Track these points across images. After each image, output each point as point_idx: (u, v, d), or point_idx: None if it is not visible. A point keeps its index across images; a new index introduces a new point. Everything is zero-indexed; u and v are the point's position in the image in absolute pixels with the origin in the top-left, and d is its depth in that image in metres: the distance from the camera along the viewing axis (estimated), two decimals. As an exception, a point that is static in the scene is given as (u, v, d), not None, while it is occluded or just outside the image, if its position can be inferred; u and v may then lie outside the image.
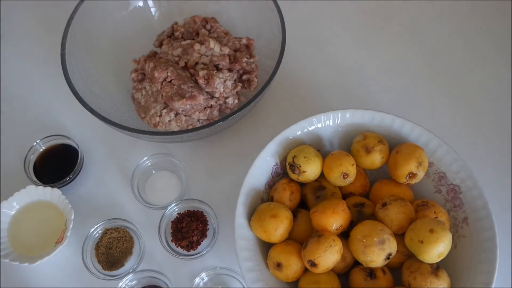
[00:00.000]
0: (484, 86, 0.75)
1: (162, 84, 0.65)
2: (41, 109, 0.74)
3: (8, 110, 0.74)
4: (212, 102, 0.66)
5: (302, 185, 0.60)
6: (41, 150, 0.68)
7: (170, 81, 0.65)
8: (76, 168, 0.66)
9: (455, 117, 0.72)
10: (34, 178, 0.66)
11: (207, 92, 0.66)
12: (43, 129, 0.70)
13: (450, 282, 0.51)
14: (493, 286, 0.50)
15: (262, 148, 0.57)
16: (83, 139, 0.70)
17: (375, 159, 0.58)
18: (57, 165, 0.68)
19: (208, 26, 0.74)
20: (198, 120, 0.66)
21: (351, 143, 0.60)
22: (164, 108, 0.66)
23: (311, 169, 0.56)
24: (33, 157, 0.67)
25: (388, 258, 0.51)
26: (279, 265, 0.53)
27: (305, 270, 0.54)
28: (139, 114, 0.68)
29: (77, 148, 0.67)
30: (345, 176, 0.56)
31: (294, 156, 0.57)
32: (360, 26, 0.81)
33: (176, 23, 0.74)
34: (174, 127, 0.65)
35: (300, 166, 0.56)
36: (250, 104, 0.60)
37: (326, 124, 0.60)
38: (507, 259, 0.61)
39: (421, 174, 0.56)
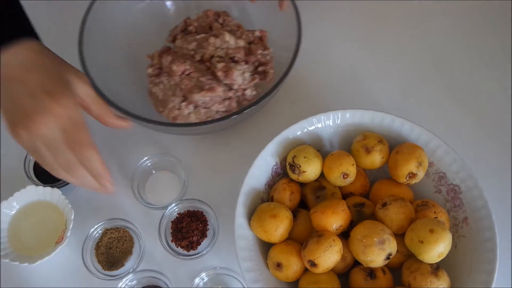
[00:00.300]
0: (484, 85, 0.75)
1: (181, 77, 0.65)
2: (41, 109, 0.74)
3: (8, 110, 0.74)
4: (231, 94, 0.66)
5: (302, 185, 0.60)
6: (41, 150, 0.68)
7: (189, 74, 0.65)
8: (76, 168, 0.66)
9: (455, 117, 0.72)
10: (34, 178, 0.66)
11: (225, 84, 0.66)
12: (43, 129, 0.70)
13: (450, 282, 0.51)
14: (493, 286, 0.50)
15: (262, 148, 0.57)
16: (83, 139, 0.70)
17: (375, 159, 0.58)
18: (57, 165, 0.67)
19: (220, 20, 0.74)
20: (217, 112, 0.66)
21: (351, 143, 0.60)
22: (183, 101, 0.66)
23: (311, 169, 0.56)
24: (33, 157, 0.67)
25: (388, 258, 0.51)
26: (279, 265, 0.53)
27: (305, 270, 0.54)
28: (157, 108, 0.68)
29: (77, 148, 0.67)
30: (345, 176, 0.56)
31: (294, 156, 0.57)
32: (361, 26, 0.81)
33: (188, 18, 0.74)
34: (193, 119, 0.65)
35: (300, 166, 0.56)
36: (272, 92, 0.60)
37: (326, 124, 0.60)
38: (507, 259, 0.61)
39: (421, 174, 0.56)
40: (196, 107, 0.65)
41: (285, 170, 0.60)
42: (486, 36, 0.80)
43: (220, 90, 0.64)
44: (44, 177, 0.66)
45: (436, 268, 0.51)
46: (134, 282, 0.60)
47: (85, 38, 0.64)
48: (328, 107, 0.60)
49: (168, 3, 0.76)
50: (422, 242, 0.50)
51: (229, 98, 0.66)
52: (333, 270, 0.53)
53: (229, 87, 0.66)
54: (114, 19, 0.70)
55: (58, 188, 0.64)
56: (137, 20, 0.73)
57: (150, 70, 0.70)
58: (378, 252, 0.50)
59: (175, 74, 0.66)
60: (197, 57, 0.68)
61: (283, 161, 0.60)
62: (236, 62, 0.68)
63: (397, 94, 0.74)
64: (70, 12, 0.79)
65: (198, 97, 0.64)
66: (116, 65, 0.69)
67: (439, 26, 0.81)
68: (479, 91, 0.75)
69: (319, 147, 0.61)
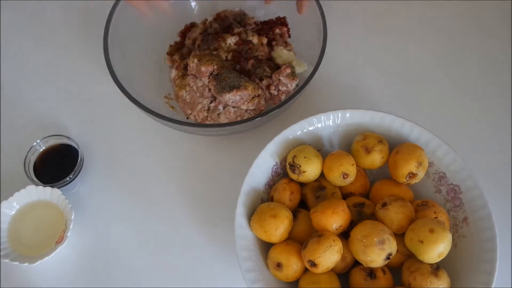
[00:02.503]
0: (484, 85, 0.75)
1: (209, 78, 0.65)
2: (41, 109, 0.74)
3: (8, 110, 0.74)
4: (259, 91, 0.66)
5: (302, 185, 0.60)
6: (41, 150, 0.68)
7: (217, 74, 0.65)
8: (76, 168, 0.66)
9: (455, 117, 0.72)
10: (34, 178, 0.66)
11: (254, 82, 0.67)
12: (43, 129, 0.70)
13: (450, 282, 0.51)
14: (493, 286, 0.50)
15: (262, 148, 0.57)
16: (83, 139, 0.70)
17: (375, 159, 0.58)
18: (57, 165, 0.67)
19: (238, 19, 0.74)
20: (246, 110, 0.66)
21: (351, 143, 0.60)
22: (211, 102, 0.65)
23: (311, 169, 0.56)
24: (33, 157, 0.67)
25: (388, 258, 0.51)
26: (279, 265, 0.53)
27: (305, 270, 0.54)
28: (185, 111, 0.68)
29: (77, 148, 0.67)
30: (345, 176, 0.56)
31: (294, 156, 0.57)
32: (361, 25, 0.81)
33: (206, 20, 0.74)
34: (223, 119, 0.65)
35: (300, 166, 0.56)
36: (302, 89, 0.61)
37: (326, 124, 0.60)
38: (507, 259, 0.61)
39: (421, 174, 0.56)
40: (225, 106, 0.65)
41: (285, 170, 0.60)
42: (486, 36, 0.79)
43: (250, 88, 0.64)
44: (44, 177, 0.66)
45: (436, 268, 0.51)
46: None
47: (110, 39, 0.64)
48: (328, 107, 0.60)
49: (193, 3, 0.77)
50: (422, 242, 0.50)
51: (258, 96, 0.66)
52: (333, 270, 0.53)
53: (258, 85, 0.67)
54: (137, 19, 0.69)
55: (58, 188, 0.64)
56: (160, 21, 0.72)
57: (174, 74, 0.70)
58: (378, 252, 0.50)
59: (203, 75, 0.65)
60: (223, 56, 0.68)
61: (283, 161, 0.60)
62: (260, 60, 0.68)
63: (397, 94, 0.74)
64: (94, 12, 0.80)
65: (229, 96, 0.63)
66: (140, 68, 0.69)
67: (440, 26, 0.81)
68: (478, 91, 0.75)
69: (319, 147, 0.61)
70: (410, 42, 0.79)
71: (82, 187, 0.68)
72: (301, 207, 0.59)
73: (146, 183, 0.68)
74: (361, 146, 0.58)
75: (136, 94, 0.62)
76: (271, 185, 0.60)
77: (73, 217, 0.61)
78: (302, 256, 0.52)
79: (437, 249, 0.50)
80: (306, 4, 0.68)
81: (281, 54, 0.70)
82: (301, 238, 0.55)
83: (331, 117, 0.60)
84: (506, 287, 0.61)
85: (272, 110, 0.60)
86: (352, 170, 0.56)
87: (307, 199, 0.59)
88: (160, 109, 0.64)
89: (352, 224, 0.55)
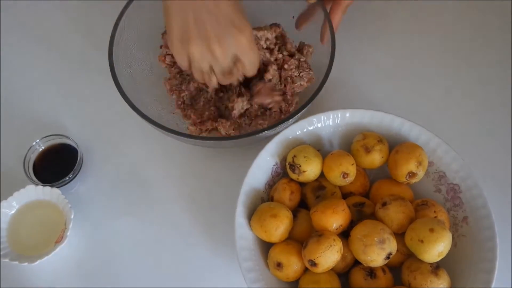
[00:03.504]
0: (484, 85, 0.75)
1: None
2: (41, 109, 0.74)
3: (8, 109, 0.74)
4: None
5: (302, 184, 0.60)
6: (41, 149, 0.68)
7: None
8: (75, 167, 0.66)
9: (455, 116, 0.72)
10: (34, 178, 0.66)
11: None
12: (42, 128, 0.70)
13: (450, 282, 0.51)
14: (493, 285, 0.50)
15: (262, 148, 0.57)
16: (83, 139, 0.70)
17: (375, 158, 0.58)
18: (56, 164, 0.67)
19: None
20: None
21: (351, 142, 0.60)
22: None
23: (311, 169, 0.56)
24: (32, 157, 0.67)
25: (388, 257, 0.51)
26: (279, 265, 0.53)
27: (305, 269, 0.54)
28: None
29: (76, 147, 0.67)
30: (345, 176, 0.56)
31: (294, 155, 0.57)
32: (360, 25, 0.81)
33: None
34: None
35: (300, 166, 0.56)
36: (311, 101, 0.60)
37: (326, 123, 0.60)
38: (507, 259, 0.61)
39: (421, 173, 0.56)
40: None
41: (285, 170, 0.60)
42: (486, 36, 0.80)
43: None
44: (44, 176, 0.66)
45: (436, 268, 0.51)
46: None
47: (115, 51, 0.63)
48: (328, 107, 0.60)
49: None
50: (422, 241, 0.50)
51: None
52: (333, 270, 0.54)
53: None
54: (145, 20, 0.68)
55: (58, 187, 0.64)
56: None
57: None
58: (378, 252, 0.50)
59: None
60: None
61: (283, 160, 0.60)
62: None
63: (397, 94, 0.74)
64: (97, 13, 0.80)
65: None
66: (144, 77, 0.68)
67: (440, 25, 0.81)
68: (478, 91, 0.75)
69: (319, 147, 0.61)
70: (409, 42, 0.79)
71: (82, 186, 0.67)
72: (301, 207, 0.59)
73: (145, 183, 0.68)
74: (361, 146, 0.58)
75: (136, 101, 0.61)
76: (271, 185, 0.60)
77: (72, 216, 0.61)
78: (302, 256, 0.52)
79: (437, 248, 0.50)
80: (328, 33, 0.65)
81: None
82: (301, 238, 0.55)
83: (331, 117, 0.60)
84: (506, 286, 0.61)
85: (280, 122, 0.58)
86: (352, 170, 0.56)
87: (307, 199, 0.59)
88: (161, 118, 0.64)
89: (352, 224, 0.55)
